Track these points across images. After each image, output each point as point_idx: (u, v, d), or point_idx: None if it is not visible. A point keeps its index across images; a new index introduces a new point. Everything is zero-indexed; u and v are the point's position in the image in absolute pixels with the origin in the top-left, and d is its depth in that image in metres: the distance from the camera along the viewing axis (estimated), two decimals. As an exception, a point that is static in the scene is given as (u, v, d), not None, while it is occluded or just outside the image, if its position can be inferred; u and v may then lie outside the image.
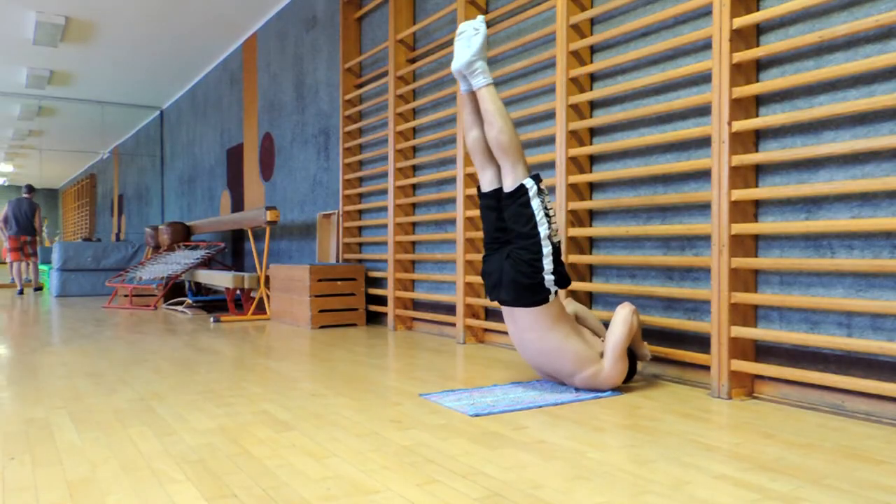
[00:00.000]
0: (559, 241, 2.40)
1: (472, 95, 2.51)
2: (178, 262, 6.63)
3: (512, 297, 2.37)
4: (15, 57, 7.73)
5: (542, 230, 2.33)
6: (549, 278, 2.33)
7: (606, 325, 2.67)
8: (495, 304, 3.51)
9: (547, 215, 2.35)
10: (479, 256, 3.64)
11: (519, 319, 2.40)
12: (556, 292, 2.36)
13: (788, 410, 2.18)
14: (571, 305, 2.68)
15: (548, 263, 2.33)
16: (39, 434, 1.95)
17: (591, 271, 3.11)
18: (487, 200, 2.49)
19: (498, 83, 3.67)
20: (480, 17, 2.48)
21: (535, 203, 2.34)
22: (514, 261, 2.36)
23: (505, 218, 2.41)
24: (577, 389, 2.46)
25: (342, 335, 4.17)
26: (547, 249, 2.33)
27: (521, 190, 2.35)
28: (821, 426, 2.00)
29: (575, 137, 3.06)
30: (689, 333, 2.66)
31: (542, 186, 2.38)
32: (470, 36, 2.45)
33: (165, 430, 1.99)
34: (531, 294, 2.34)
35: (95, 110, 10.56)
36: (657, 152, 2.80)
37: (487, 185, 2.50)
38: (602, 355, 2.44)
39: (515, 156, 2.38)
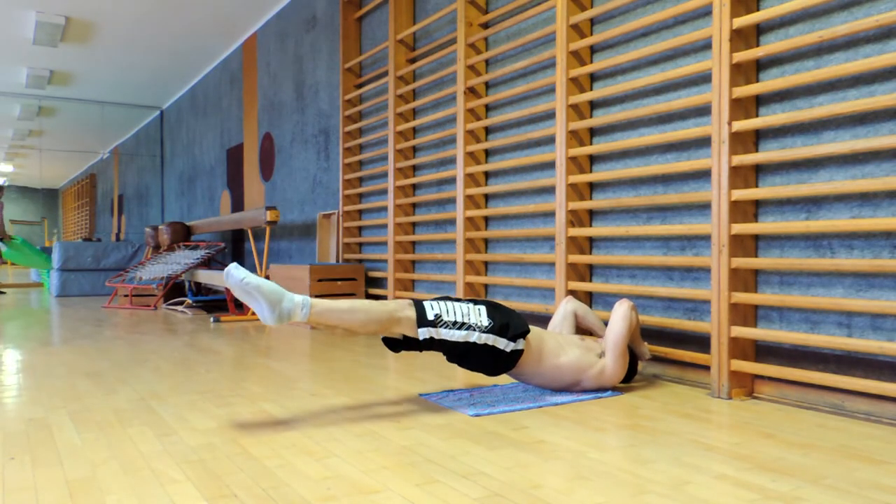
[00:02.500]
0: (488, 317, 2.28)
1: (308, 322, 2.18)
2: (178, 262, 6.63)
3: (495, 374, 2.37)
4: (15, 57, 7.73)
5: (474, 337, 2.23)
6: (510, 346, 2.28)
7: (606, 323, 2.67)
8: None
9: (461, 325, 2.23)
10: (479, 256, 3.64)
11: (513, 371, 2.42)
12: (524, 341, 2.32)
13: (788, 410, 2.18)
14: (571, 304, 2.68)
15: (499, 342, 2.26)
16: (39, 434, 1.95)
17: (591, 271, 3.11)
18: (409, 348, 2.29)
19: (498, 83, 3.68)
20: (233, 266, 2.08)
21: (444, 333, 2.21)
22: (471, 360, 2.29)
23: (439, 351, 2.29)
24: (579, 391, 2.46)
25: (342, 335, 4.17)
26: (490, 339, 2.25)
27: (426, 341, 2.21)
28: (821, 426, 2.00)
29: (575, 137, 3.06)
30: (689, 333, 2.66)
31: (433, 314, 2.22)
32: (247, 292, 2.07)
33: (165, 430, 1.99)
34: (507, 364, 2.32)
35: (95, 110, 10.56)
36: (657, 152, 2.80)
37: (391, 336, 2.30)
38: (601, 354, 2.44)
39: (391, 322, 2.19)
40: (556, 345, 2.42)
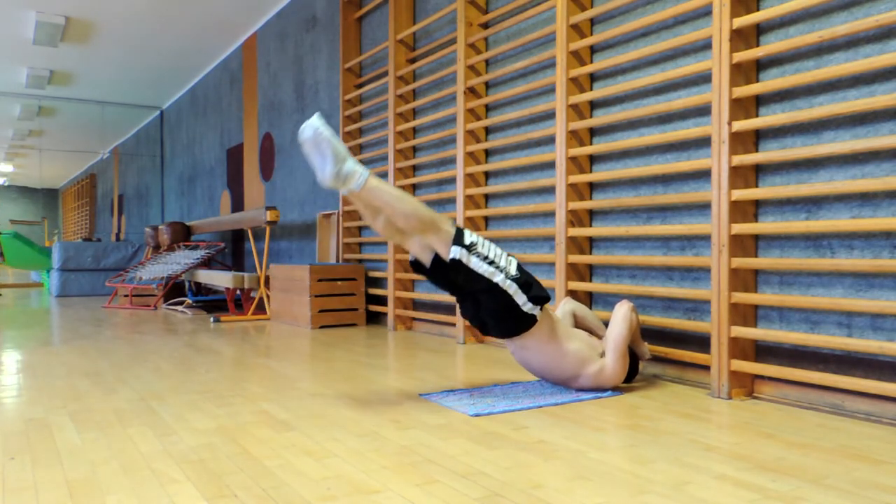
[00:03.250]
0: (519, 267, 2.32)
1: (358, 194, 2.28)
2: (178, 262, 6.63)
3: (502, 334, 2.37)
4: (15, 57, 7.73)
5: (499, 278, 2.26)
6: (528, 307, 2.29)
7: (606, 324, 2.67)
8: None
9: (491, 263, 2.26)
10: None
11: (516, 342, 2.41)
12: (541, 309, 2.34)
13: (788, 410, 2.18)
14: (570, 304, 2.68)
15: (519, 297, 2.28)
16: (39, 434, 1.95)
17: (590, 271, 3.11)
18: (434, 274, 2.34)
19: (498, 83, 3.68)
20: (316, 116, 2.20)
21: (474, 263, 2.25)
22: (486, 308, 2.31)
23: (459, 283, 2.31)
24: (577, 390, 2.46)
25: (342, 335, 4.17)
26: (513, 288, 2.27)
27: (455, 262, 2.25)
28: (821, 426, 2.00)
29: (575, 137, 3.06)
30: (689, 333, 2.66)
31: (470, 240, 2.27)
32: (317, 143, 2.17)
33: (165, 430, 1.99)
34: (518, 325, 2.32)
35: (95, 110, 10.56)
36: (657, 152, 2.80)
37: (421, 253, 2.33)
38: (602, 355, 2.44)
39: (434, 226, 2.25)
40: (568, 333, 2.43)
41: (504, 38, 3.64)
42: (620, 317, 2.44)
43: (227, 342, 3.90)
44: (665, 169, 2.66)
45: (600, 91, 2.91)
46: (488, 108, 3.75)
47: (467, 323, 3.70)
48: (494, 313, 2.30)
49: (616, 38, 2.97)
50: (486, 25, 3.77)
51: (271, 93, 6.45)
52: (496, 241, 3.69)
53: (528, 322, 2.32)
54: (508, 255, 2.37)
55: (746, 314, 2.41)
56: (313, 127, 2.16)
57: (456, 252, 2.24)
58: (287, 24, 6.10)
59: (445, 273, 2.29)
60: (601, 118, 2.92)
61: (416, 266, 2.38)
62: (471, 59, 3.71)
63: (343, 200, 5.06)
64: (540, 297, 2.31)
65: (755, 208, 2.43)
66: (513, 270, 2.30)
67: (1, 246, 9.66)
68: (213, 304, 6.45)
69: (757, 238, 2.44)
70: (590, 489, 1.48)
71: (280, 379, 2.76)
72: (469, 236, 2.29)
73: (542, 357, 2.41)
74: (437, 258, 2.30)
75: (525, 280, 2.31)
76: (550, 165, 3.29)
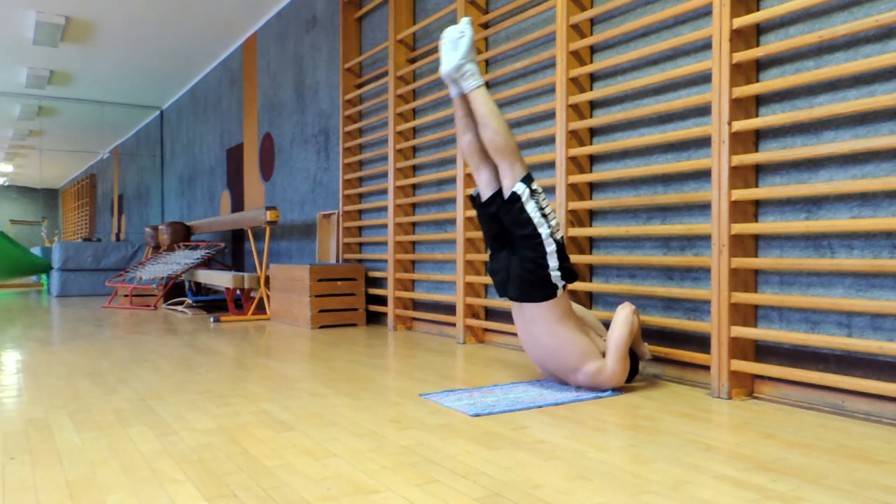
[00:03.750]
0: (562, 237, 2.40)
1: (464, 99, 2.49)
2: (178, 262, 6.63)
3: (520, 293, 2.40)
4: (15, 57, 7.73)
5: (543, 231, 2.34)
6: (555, 274, 2.35)
7: (606, 325, 2.67)
8: (495, 303, 3.52)
9: (544, 215, 2.35)
10: (479, 256, 3.64)
11: (527, 312, 2.42)
12: (563, 287, 2.38)
13: (788, 410, 2.18)
14: (571, 305, 2.69)
15: (553, 260, 2.34)
16: (39, 434, 1.95)
17: (591, 271, 3.11)
18: (486, 209, 2.47)
19: (498, 83, 3.67)
20: (466, 19, 2.46)
21: (531, 206, 2.34)
22: (519, 259, 2.37)
23: (505, 223, 2.42)
24: (577, 389, 2.46)
25: (342, 335, 4.17)
26: (551, 248, 2.34)
27: (514, 197, 2.36)
28: (821, 426, 2.00)
29: (575, 137, 3.06)
30: (689, 333, 2.66)
31: (535, 187, 2.38)
32: (456, 39, 2.43)
33: (165, 430, 1.99)
34: (539, 290, 2.36)
35: (95, 110, 10.56)
36: (657, 152, 2.80)
37: (485, 187, 2.48)
38: (604, 354, 2.44)
39: (513, 156, 2.39)
40: (578, 322, 2.46)
41: (504, 38, 3.64)
42: (622, 320, 2.44)
43: (227, 342, 3.90)
44: (665, 169, 2.66)
45: (600, 91, 2.91)
46: (488, 108, 3.75)
47: (467, 323, 3.70)
48: (523, 266, 2.36)
49: (616, 38, 2.97)
50: (486, 25, 3.77)
51: (271, 93, 6.45)
52: (496, 241, 3.69)
53: (548, 290, 2.36)
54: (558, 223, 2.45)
55: (746, 314, 2.41)
56: (460, 29, 2.43)
57: (520, 188, 2.35)
58: (287, 24, 6.10)
59: (497, 210, 2.41)
60: (601, 118, 2.92)
61: (474, 201, 2.53)
62: (471, 59, 3.70)
63: (343, 200, 5.06)
64: (570, 271, 2.38)
65: (755, 208, 2.43)
66: (558, 235, 2.37)
67: None
68: (213, 304, 6.45)
69: (757, 238, 2.44)
70: (590, 489, 1.48)
71: (280, 379, 2.76)
72: (536, 184, 2.40)
73: (548, 338, 2.41)
74: (496, 193, 2.43)
75: (564, 250, 2.38)
76: (550, 165, 3.29)
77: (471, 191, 2.53)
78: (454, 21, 4.00)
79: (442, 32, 2.44)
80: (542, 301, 2.37)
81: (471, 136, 2.51)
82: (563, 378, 2.49)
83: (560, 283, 2.36)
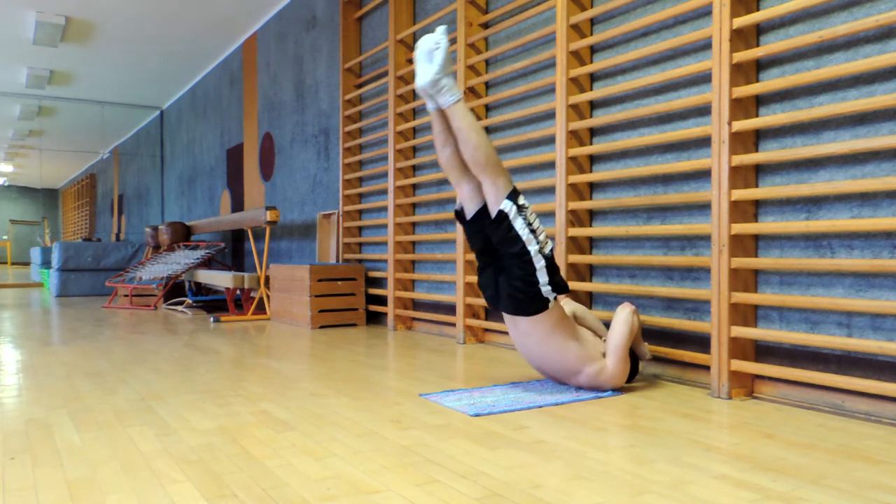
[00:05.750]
0: (552, 250, 2.35)
1: (442, 113, 2.40)
2: (178, 262, 6.63)
3: (511, 308, 2.37)
4: (15, 57, 7.73)
5: (532, 248, 2.28)
6: (545, 289, 2.31)
7: (606, 325, 2.67)
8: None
9: (532, 231, 2.29)
10: (479, 256, 3.64)
11: (521, 325, 2.40)
12: (555, 298, 2.35)
13: (788, 410, 2.18)
14: (570, 305, 2.68)
15: (542, 276, 2.29)
16: (39, 434, 1.95)
17: (591, 271, 3.11)
18: (472, 226, 2.41)
19: (498, 83, 3.68)
20: (442, 28, 2.33)
21: (518, 223, 2.28)
22: (508, 277, 2.32)
23: (493, 241, 2.35)
24: (577, 389, 2.46)
25: (342, 335, 4.17)
26: (540, 264, 2.29)
27: (501, 215, 2.28)
28: (821, 426, 2.00)
29: (575, 137, 3.06)
30: (689, 333, 2.66)
31: (522, 202, 2.31)
32: (431, 50, 2.31)
33: (165, 430, 1.99)
34: (530, 305, 2.32)
35: (95, 110, 10.56)
36: (657, 152, 2.80)
37: (468, 201, 2.41)
38: (604, 355, 2.44)
39: (495, 171, 2.30)
40: (573, 327, 2.44)
41: (504, 38, 3.64)
42: (622, 320, 2.44)
43: (227, 342, 3.90)
44: (665, 169, 2.66)
45: (600, 91, 2.91)
46: (488, 108, 3.75)
47: (467, 323, 3.70)
48: (513, 283, 2.31)
49: (616, 38, 2.97)
50: (486, 25, 3.77)
51: (271, 93, 6.45)
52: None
53: (540, 304, 2.32)
54: (547, 235, 2.40)
55: (746, 314, 2.41)
56: (436, 39, 2.31)
57: (507, 206, 2.28)
58: (287, 24, 6.10)
59: (484, 227, 2.35)
60: (601, 118, 2.92)
61: (459, 216, 2.46)
62: (471, 59, 3.71)
63: (343, 200, 5.06)
64: (560, 284, 2.34)
65: (755, 208, 2.43)
66: (547, 249, 2.33)
67: None
68: (213, 304, 6.45)
69: (757, 238, 2.44)
70: (590, 489, 1.48)
71: (280, 379, 2.76)
72: (523, 198, 2.34)
73: (543, 347, 2.40)
74: (481, 210, 2.36)
75: (553, 263, 2.34)
76: (550, 165, 3.29)
77: (455, 206, 2.45)
78: (454, 21, 4.00)
79: (423, 39, 2.33)
80: (535, 314, 2.34)
81: (450, 151, 2.42)
82: (565, 381, 2.49)
83: (551, 297, 2.33)
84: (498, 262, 2.36)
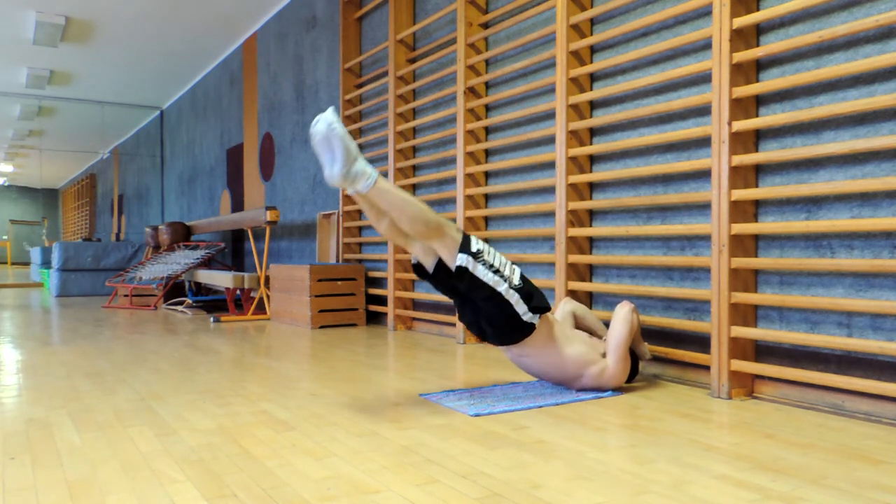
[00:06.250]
0: (521, 277, 2.30)
1: (365, 196, 2.21)
2: (178, 262, 6.63)
3: (501, 341, 2.36)
4: (15, 57, 7.73)
5: (502, 288, 2.24)
6: (527, 316, 2.28)
7: (606, 324, 2.67)
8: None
9: (496, 272, 2.24)
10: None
11: (512, 349, 2.41)
12: (539, 316, 2.33)
13: (788, 410, 2.18)
14: (570, 305, 2.68)
15: (520, 307, 2.26)
16: (39, 434, 1.95)
17: (590, 271, 3.11)
18: (436, 280, 2.34)
19: (498, 83, 3.68)
20: (330, 110, 2.12)
21: (480, 271, 2.22)
22: (487, 316, 2.29)
23: (461, 291, 2.29)
24: (578, 389, 2.46)
25: (342, 335, 4.17)
26: (514, 298, 2.25)
27: (461, 269, 2.22)
28: (821, 426, 2.00)
29: (575, 137, 3.06)
30: (689, 333, 2.66)
31: (476, 248, 2.24)
32: (329, 139, 2.09)
33: (165, 430, 1.99)
34: (518, 333, 2.31)
35: (95, 110, 10.56)
36: (657, 152, 2.80)
37: (423, 256, 2.33)
38: (603, 355, 2.44)
39: (438, 232, 2.20)
40: (565, 335, 2.42)
41: (504, 38, 3.64)
42: (621, 318, 2.44)
43: (227, 342, 3.90)
44: (665, 169, 2.66)
45: (600, 91, 2.91)
46: (488, 108, 3.75)
47: (467, 323, 3.70)
48: (494, 321, 2.29)
49: (616, 38, 2.97)
50: (486, 25, 3.77)
51: (271, 93, 6.45)
52: (496, 241, 3.70)
53: (526, 330, 2.31)
54: (511, 263, 2.35)
55: (746, 314, 2.41)
56: (327, 122, 2.08)
57: (462, 260, 2.21)
58: (287, 24, 6.10)
59: (448, 279, 2.27)
60: (601, 118, 2.92)
61: (419, 269, 2.36)
62: (471, 59, 3.71)
63: (343, 200, 5.06)
64: (540, 307, 2.30)
65: (755, 208, 2.43)
66: (516, 280, 2.28)
67: None
68: (213, 304, 6.45)
69: (757, 238, 2.44)
70: (590, 489, 1.48)
71: (280, 379, 2.76)
72: (475, 244, 2.26)
73: (541, 361, 2.41)
74: (440, 263, 2.29)
75: (527, 290, 2.29)
76: (550, 165, 3.29)
77: (412, 260, 2.32)
78: (454, 21, 4.00)
79: (314, 124, 2.11)
80: (524, 339, 2.34)
81: (388, 222, 2.31)
82: (567, 385, 2.48)
83: (535, 320, 2.30)
84: (473, 303, 2.31)
